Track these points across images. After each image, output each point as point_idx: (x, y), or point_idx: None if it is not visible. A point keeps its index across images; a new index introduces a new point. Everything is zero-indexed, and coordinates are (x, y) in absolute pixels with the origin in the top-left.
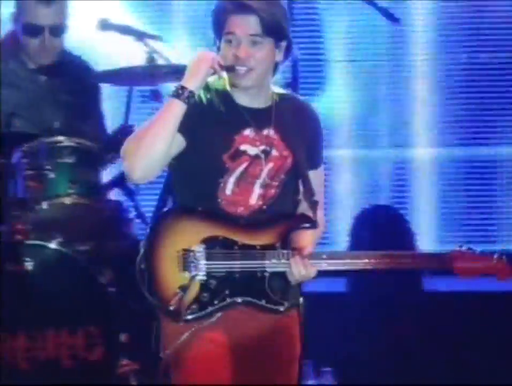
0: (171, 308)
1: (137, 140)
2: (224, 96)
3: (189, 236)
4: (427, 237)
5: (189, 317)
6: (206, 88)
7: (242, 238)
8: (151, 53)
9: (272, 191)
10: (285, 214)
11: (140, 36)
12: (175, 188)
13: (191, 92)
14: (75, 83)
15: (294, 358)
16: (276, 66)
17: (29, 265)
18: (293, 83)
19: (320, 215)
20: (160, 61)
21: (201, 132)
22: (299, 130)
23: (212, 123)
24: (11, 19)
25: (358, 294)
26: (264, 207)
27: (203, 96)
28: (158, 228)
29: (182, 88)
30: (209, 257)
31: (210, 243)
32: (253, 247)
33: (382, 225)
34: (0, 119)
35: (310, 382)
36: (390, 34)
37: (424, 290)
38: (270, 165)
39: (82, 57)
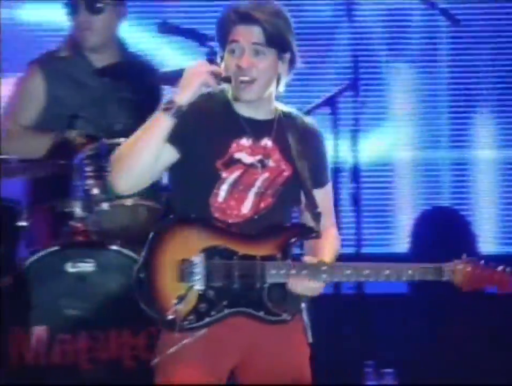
0: (168, 318)
1: (123, 152)
2: (224, 105)
3: (189, 245)
4: (488, 239)
5: (186, 327)
6: (208, 96)
7: (242, 249)
8: (209, 55)
9: (267, 201)
10: (286, 225)
11: (201, 38)
12: (173, 195)
13: (179, 107)
14: (138, 83)
15: (301, 363)
16: (279, 79)
17: (90, 265)
18: (353, 84)
19: (333, 233)
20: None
21: (196, 140)
22: (302, 147)
23: (208, 130)
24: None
25: (420, 295)
26: (256, 216)
27: (203, 104)
28: (158, 237)
29: (171, 102)
30: (208, 267)
31: (210, 253)
32: (253, 257)
33: (443, 227)
34: (62, 120)
35: (371, 383)
36: (449, 36)
37: (485, 291)
38: (266, 175)
39: (145, 57)
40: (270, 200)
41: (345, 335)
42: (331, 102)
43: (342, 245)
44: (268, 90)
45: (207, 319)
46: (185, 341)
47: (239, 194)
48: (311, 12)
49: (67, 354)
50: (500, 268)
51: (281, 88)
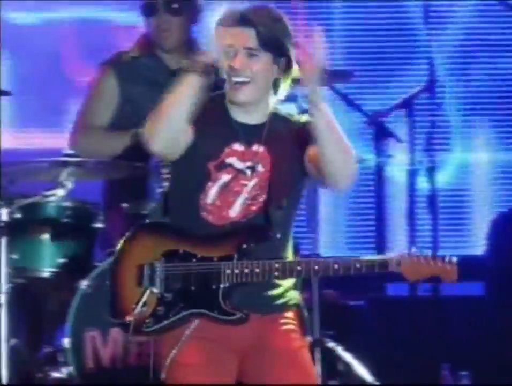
0: (126, 322)
1: (156, 113)
2: (222, 109)
3: (151, 251)
4: None
5: (145, 330)
6: (209, 99)
7: (201, 251)
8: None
9: (256, 205)
10: (243, 226)
11: None
12: (169, 191)
13: (205, 65)
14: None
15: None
16: (276, 83)
17: None
18: (429, 87)
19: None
20: None
21: (194, 139)
22: (292, 147)
23: (205, 132)
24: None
25: (496, 297)
26: (244, 220)
27: (204, 106)
28: (124, 243)
29: (196, 62)
30: (166, 271)
31: (169, 257)
32: (210, 259)
33: None
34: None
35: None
36: None
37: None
38: (255, 181)
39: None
40: (259, 205)
41: (422, 338)
42: (407, 104)
43: (418, 247)
44: (263, 94)
45: (165, 322)
46: (182, 339)
47: (227, 198)
48: (387, 14)
49: (143, 355)
50: (445, 258)
51: (282, 94)
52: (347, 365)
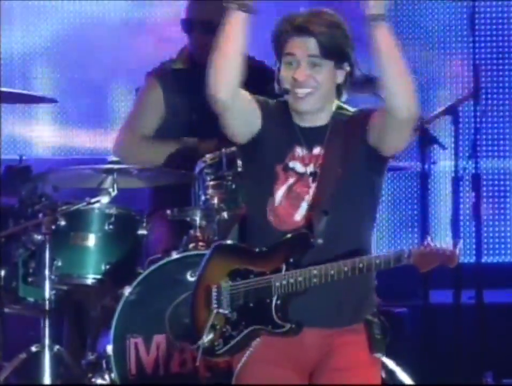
0: (201, 345)
1: (212, 57)
2: (286, 114)
3: (219, 271)
4: None
5: (218, 352)
6: (276, 103)
7: (257, 267)
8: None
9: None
10: (289, 236)
11: None
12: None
13: (247, 3)
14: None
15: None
16: (338, 88)
17: None
18: (474, 93)
19: None
20: None
21: (265, 139)
22: (350, 139)
23: (274, 135)
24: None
25: None
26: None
27: (272, 110)
28: (200, 268)
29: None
30: (232, 290)
31: (233, 275)
32: (264, 273)
33: None
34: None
35: None
36: None
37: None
38: (316, 185)
39: (263, 62)
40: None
41: (464, 345)
42: (452, 111)
43: (463, 255)
44: (327, 101)
45: (232, 342)
46: (244, 358)
47: (292, 202)
48: (433, 19)
49: (186, 362)
50: (446, 245)
51: (344, 97)
52: (391, 373)
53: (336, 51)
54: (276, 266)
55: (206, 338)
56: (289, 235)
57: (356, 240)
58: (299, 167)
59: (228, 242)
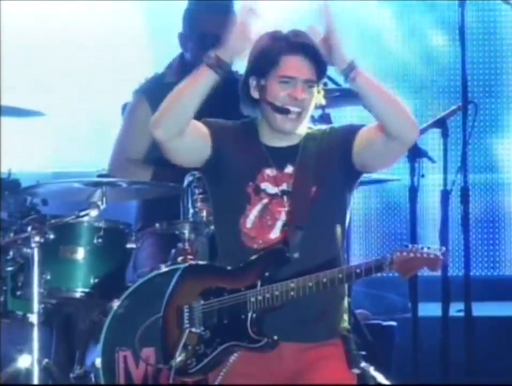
0: (173, 365)
1: (166, 100)
2: (253, 134)
3: (190, 291)
4: None
5: (190, 371)
6: (241, 124)
7: (230, 284)
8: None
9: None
10: (264, 252)
11: None
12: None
13: (222, 62)
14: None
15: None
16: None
17: None
18: (463, 105)
19: None
20: (330, 86)
21: (231, 160)
22: (325, 162)
23: (240, 156)
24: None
25: None
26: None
27: (237, 130)
28: (170, 289)
29: (214, 58)
30: (204, 309)
31: (206, 295)
32: (238, 290)
33: None
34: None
35: None
36: None
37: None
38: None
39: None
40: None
41: (453, 358)
42: (441, 124)
43: (451, 268)
44: (306, 121)
45: (205, 361)
46: (221, 374)
47: (266, 223)
48: (422, 30)
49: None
50: (428, 249)
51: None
52: None
53: (324, 72)
54: (251, 282)
55: (179, 357)
56: (264, 251)
57: (331, 251)
58: (270, 188)
59: (200, 262)
